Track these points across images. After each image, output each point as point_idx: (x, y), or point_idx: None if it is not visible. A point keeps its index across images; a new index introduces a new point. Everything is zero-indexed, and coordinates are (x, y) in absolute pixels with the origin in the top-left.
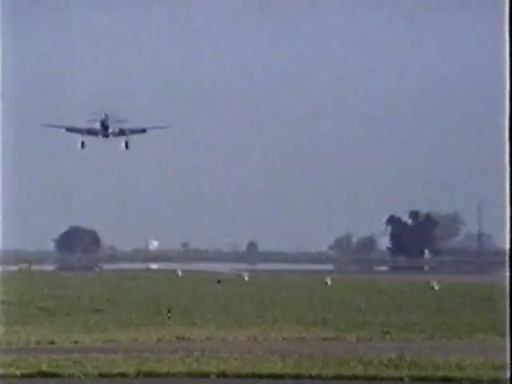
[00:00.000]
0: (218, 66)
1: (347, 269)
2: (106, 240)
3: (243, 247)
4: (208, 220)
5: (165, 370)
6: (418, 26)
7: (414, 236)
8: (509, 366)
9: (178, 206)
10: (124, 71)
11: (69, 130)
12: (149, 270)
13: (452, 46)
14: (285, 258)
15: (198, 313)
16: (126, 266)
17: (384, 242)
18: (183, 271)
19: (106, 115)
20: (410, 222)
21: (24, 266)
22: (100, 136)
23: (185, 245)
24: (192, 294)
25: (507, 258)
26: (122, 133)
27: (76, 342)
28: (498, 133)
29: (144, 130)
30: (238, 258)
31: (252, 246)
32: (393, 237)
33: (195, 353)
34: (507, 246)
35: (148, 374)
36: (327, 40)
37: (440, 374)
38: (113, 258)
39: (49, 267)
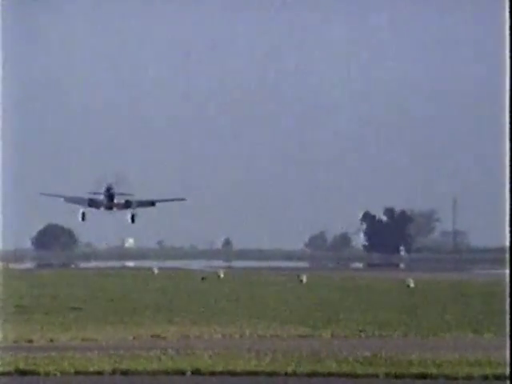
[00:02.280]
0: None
1: (322, 266)
2: (83, 238)
3: (218, 245)
4: (183, 217)
5: (141, 367)
6: (419, 26)
7: (389, 233)
8: (508, 364)
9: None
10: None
11: (68, 200)
12: (125, 267)
13: (452, 45)
14: (260, 255)
15: (174, 310)
16: (102, 263)
17: (359, 239)
18: (159, 269)
19: (111, 183)
20: (384, 219)
21: (1, 264)
22: (102, 208)
23: (160, 242)
24: (168, 292)
25: (507, 256)
26: (127, 205)
27: (53, 341)
28: (474, 131)
29: (153, 203)
30: (213, 255)
31: (227, 243)
32: (368, 234)
33: (171, 350)
34: (507, 245)
35: (124, 372)
36: (327, 40)
37: (415, 370)
38: (89, 255)
39: (26, 265)
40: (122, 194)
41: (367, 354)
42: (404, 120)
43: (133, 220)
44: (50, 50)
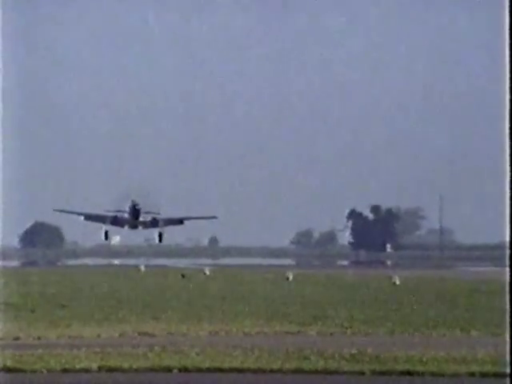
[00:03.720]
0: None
1: (309, 263)
2: (69, 236)
3: (205, 242)
4: (169, 215)
5: (127, 364)
6: (419, 26)
7: (376, 230)
8: (508, 362)
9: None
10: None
11: (88, 218)
12: (111, 265)
13: (452, 45)
14: (246, 252)
15: (160, 308)
16: (88, 261)
17: (345, 237)
18: (145, 266)
19: (136, 200)
20: (371, 216)
21: None
22: (127, 227)
23: (147, 240)
24: (154, 289)
25: (507, 255)
26: (154, 224)
27: (40, 338)
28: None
29: (181, 221)
30: (199, 252)
31: (213, 240)
32: (354, 231)
33: (157, 348)
34: (507, 244)
35: (111, 369)
36: (326, 40)
37: (401, 367)
38: (76, 253)
39: (13, 263)
40: (148, 213)
41: (353, 351)
42: (391, 118)
43: (160, 239)
44: (51, 50)
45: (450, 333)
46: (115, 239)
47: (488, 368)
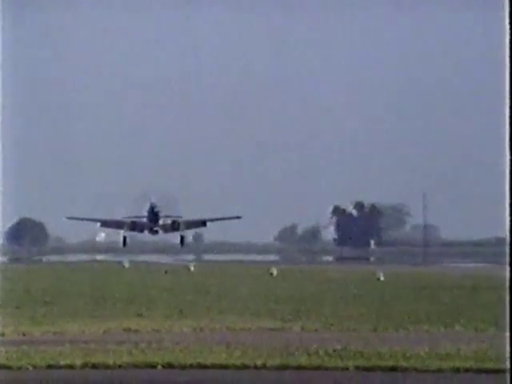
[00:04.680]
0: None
1: (293, 259)
2: (54, 232)
3: (189, 238)
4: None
5: (111, 361)
6: (418, 25)
7: (359, 227)
8: (508, 359)
9: (122, 195)
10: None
11: (105, 224)
12: (96, 261)
13: (452, 45)
14: (231, 248)
15: (145, 304)
16: (73, 257)
17: (329, 233)
18: (130, 262)
19: (155, 203)
20: (354, 212)
21: None
22: (146, 231)
23: (132, 236)
24: (138, 285)
25: (507, 252)
26: (175, 227)
27: (25, 334)
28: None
29: (204, 223)
30: (184, 249)
31: (198, 236)
32: (338, 227)
33: (142, 344)
34: (507, 242)
35: (95, 366)
36: (326, 39)
37: (385, 363)
38: (60, 249)
39: None
40: (167, 216)
41: (337, 347)
42: (375, 115)
43: (182, 243)
44: (54, 51)
45: (434, 328)
46: (100, 236)
47: (471, 364)
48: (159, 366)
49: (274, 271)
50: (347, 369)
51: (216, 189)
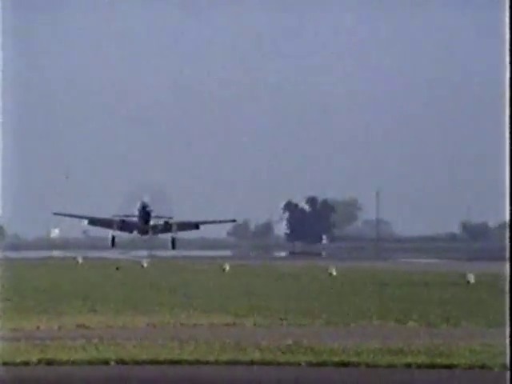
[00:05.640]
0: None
1: (245, 254)
2: (10, 229)
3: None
4: (109, 208)
5: (66, 357)
6: (418, 25)
7: (312, 222)
8: (508, 357)
9: (79, 193)
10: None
11: (92, 222)
12: (51, 258)
13: (452, 45)
14: (184, 244)
15: (98, 300)
16: (29, 254)
17: (282, 228)
18: (84, 259)
19: (146, 202)
20: (307, 208)
21: None
22: (136, 232)
23: (85, 232)
24: (92, 281)
25: (507, 251)
26: (167, 228)
27: None
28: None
29: (197, 226)
30: (138, 245)
31: None
32: (290, 223)
33: (95, 340)
34: (507, 241)
35: (49, 362)
36: (326, 38)
37: (337, 359)
38: (16, 246)
39: None
40: (159, 217)
41: (289, 342)
42: (329, 110)
43: (173, 245)
44: (51, 50)
45: (386, 324)
46: (54, 232)
47: (423, 359)
48: (112, 362)
49: (227, 267)
50: (299, 364)
51: (175, 186)
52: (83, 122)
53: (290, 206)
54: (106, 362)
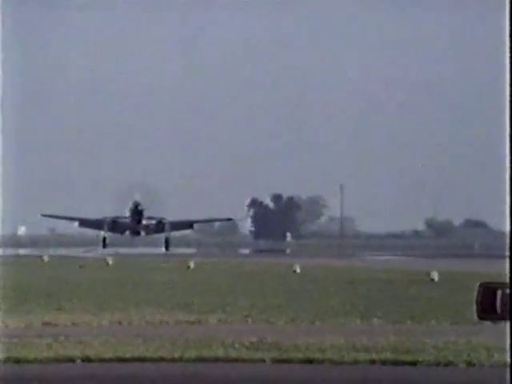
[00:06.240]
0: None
1: (210, 252)
2: None
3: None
4: (75, 205)
5: (32, 355)
6: (418, 25)
7: (276, 219)
8: (509, 355)
9: (47, 189)
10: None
11: (83, 224)
12: (17, 255)
13: (452, 44)
14: (149, 242)
15: (64, 298)
16: None
17: (246, 226)
18: (49, 256)
19: (138, 201)
20: (272, 205)
21: None
22: (128, 233)
23: (52, 230)
24: (57, 279)
25: (507, 249)
26: (160, 228)
27: None
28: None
29: (191, 225)
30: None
31: None
32: (255, 220)
33: (61, 338)
34: (507, 240)
35: (16, 360)
36: (324, 38)
37: (301, 355)
38: None
39: None
40: (151, 218)
41: (253, 339)
42: (292, 107)
43: (167, 246)
44: (50, 49)
45: (351, 321)
46: (21, 229)
47: (388, 355)
48: (78, 360)
49: (191, 264)
50: (264, 361)
51: (133, 181)
52: (73, 120)
53: (255, 204)
54: (72, 360)
